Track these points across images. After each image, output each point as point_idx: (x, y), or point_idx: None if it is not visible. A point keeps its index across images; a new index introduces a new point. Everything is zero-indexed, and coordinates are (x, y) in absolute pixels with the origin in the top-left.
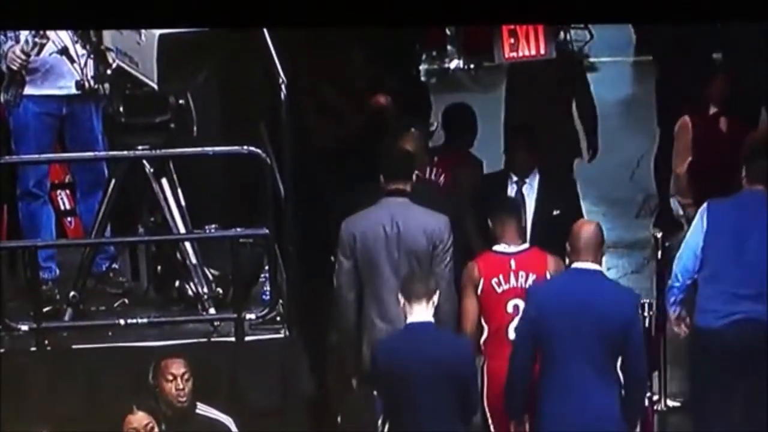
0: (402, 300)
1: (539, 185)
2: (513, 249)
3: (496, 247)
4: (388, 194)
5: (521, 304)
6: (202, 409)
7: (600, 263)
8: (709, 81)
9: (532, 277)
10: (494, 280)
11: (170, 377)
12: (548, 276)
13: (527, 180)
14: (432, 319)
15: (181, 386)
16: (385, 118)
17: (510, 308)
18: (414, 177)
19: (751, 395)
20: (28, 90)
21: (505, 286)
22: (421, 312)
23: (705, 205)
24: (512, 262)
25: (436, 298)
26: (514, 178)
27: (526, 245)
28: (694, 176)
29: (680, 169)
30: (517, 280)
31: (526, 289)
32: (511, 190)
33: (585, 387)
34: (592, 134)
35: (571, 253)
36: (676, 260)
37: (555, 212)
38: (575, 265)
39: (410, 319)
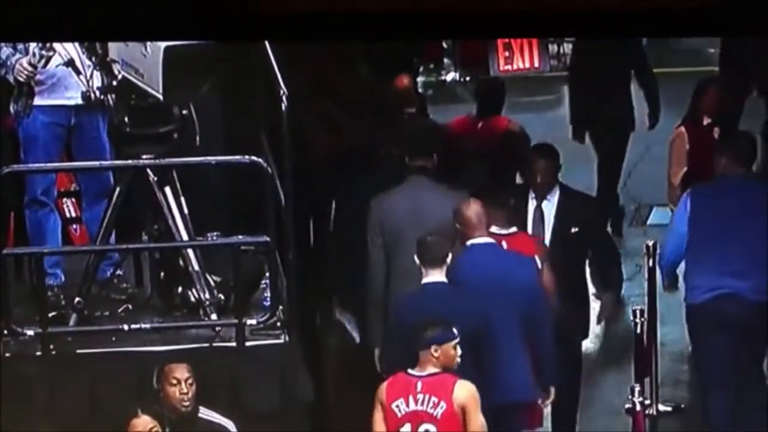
0: (418, 262)
1: (559, 202)
2: (503, 231)
3: (491, 229)
4: (411, 172)
5: None
6: (204, 412)
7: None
8: (702, 92)
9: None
10: None
11: (174, 381)
12: (537, 259)
13: (548, 196)
14: (446, 279)
15: (185, 390)
16: (407, 98)
17: None
18: (435, 155)
19: (738, 366)
20: (37, 101)
21: None
22: (436, 274)
23: (688, 190)
24: (504, 244)
25: (449, 260)
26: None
27: (514, 229)
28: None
29: (675, 179)
30: None
31: None
32: (532, 205)
33: (503, 356)
34: (654, 100)
35: (467, 231)
36: (664, 243)
37: (574, 229)
38: (474, 241)
39: (425, 280)
